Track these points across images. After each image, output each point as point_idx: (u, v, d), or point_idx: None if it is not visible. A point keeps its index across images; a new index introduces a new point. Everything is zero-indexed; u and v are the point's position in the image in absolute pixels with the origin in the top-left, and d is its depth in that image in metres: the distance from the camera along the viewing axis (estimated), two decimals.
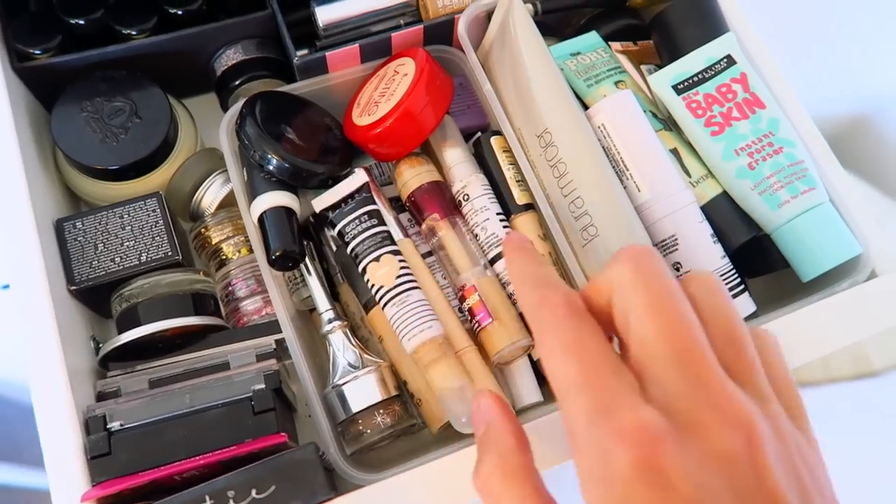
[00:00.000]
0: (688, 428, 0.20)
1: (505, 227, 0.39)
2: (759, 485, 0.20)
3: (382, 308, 0.38)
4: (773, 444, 0.21)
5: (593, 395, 0.21)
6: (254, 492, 0.30)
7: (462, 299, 0.38)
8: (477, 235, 0.40)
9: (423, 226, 0.40)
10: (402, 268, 0.38)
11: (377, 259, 0.38)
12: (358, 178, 0.40)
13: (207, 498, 0.30)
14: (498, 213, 0.40)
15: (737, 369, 0.22)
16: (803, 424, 0.23)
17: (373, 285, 0.38)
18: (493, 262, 0.39)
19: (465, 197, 0.40)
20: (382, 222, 0.39)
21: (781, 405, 0.23)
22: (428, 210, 0.40)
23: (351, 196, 0.40)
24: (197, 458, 0.32)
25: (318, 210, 0.41)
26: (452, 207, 0.40)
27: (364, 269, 0.38)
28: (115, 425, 0.34)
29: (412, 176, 0.40)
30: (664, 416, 0.20)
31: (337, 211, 0.40)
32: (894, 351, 0.69)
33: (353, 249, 0.39)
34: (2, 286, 0.59)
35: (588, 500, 0.21)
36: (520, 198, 0.40)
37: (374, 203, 0.40)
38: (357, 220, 0.39)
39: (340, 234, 0.40)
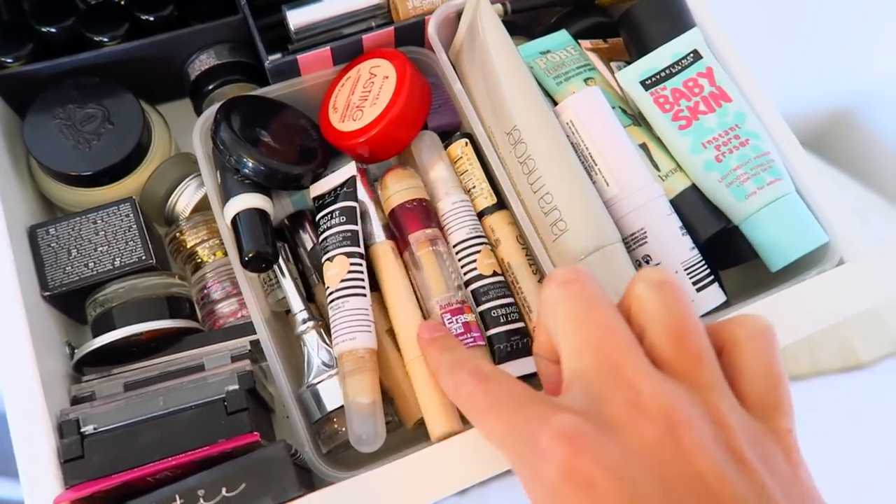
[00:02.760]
0: (607, 426, 0.22)
1: (481, 242, 0.39)
2: (686, 467, 0.20)
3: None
4: (705, 428, 0.21)
5: (516, 437, 0.24)
6: (224, 490, 0.30)
7: (459, 312, 0.37)
8: (455, 247, 0.39)
9: (410, 244, 0.39)
10: (350, 271, 0.37)
11: (331, 259, 0.38)
12: (346, 170, 0.40)
13: (177, 497, 0.30)
14: (474, 237, 0.39)
15: (676, 363, 0.23)
16: (774, 416, 0.24)
17: (326, 286, 0.38)
18: (467, 284, 0.38)
19: (443, 212, 0.40)
20: (353, 221, 0.39)
21: (745, 395, 0.24)
22: (409, 229, 0.39)
23: (339, 187, 0.40)
24: (170, 459, 0.32)
25: (313, 195, 0.41)
26: (435, 227, 0.39)
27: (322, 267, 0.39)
28: (88, 429, 0.34)
29: (396, 191, 0.39)
30: (584, 421, 0.22)
31: (320, 202, 0.40)
32: (881, 344, 0.69)
33: (321, 244, 0.39)
34: None
35: None
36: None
37: (354, 199, 0.39)
38: (329, 215, 0.39)
39: (317, 226, 0.40)
